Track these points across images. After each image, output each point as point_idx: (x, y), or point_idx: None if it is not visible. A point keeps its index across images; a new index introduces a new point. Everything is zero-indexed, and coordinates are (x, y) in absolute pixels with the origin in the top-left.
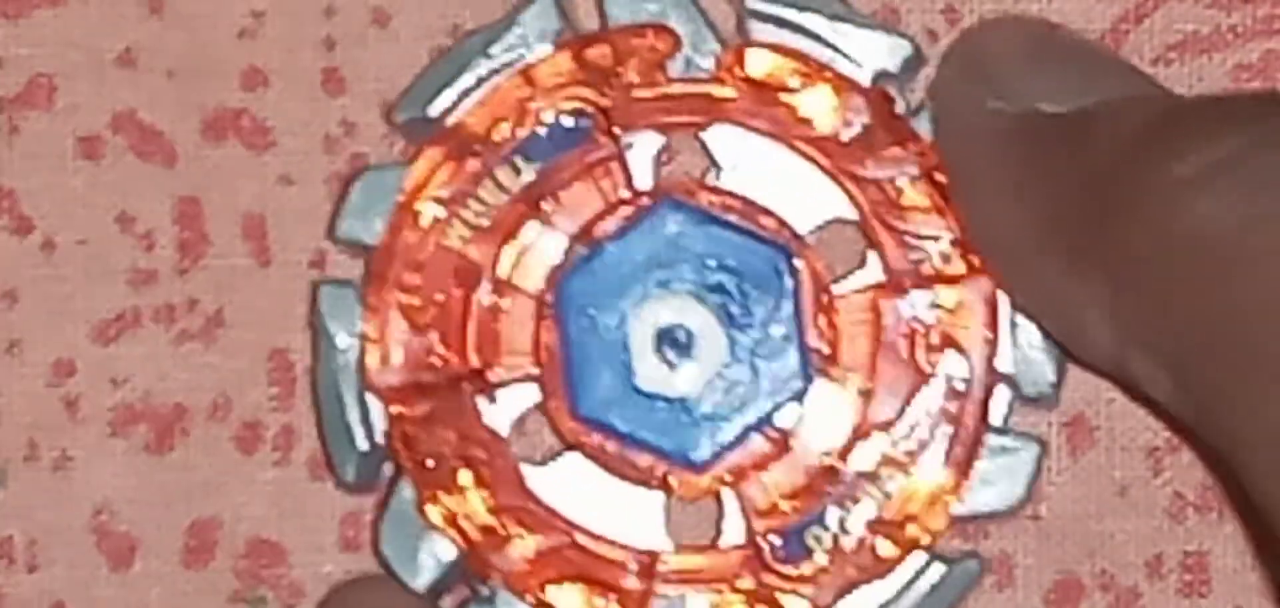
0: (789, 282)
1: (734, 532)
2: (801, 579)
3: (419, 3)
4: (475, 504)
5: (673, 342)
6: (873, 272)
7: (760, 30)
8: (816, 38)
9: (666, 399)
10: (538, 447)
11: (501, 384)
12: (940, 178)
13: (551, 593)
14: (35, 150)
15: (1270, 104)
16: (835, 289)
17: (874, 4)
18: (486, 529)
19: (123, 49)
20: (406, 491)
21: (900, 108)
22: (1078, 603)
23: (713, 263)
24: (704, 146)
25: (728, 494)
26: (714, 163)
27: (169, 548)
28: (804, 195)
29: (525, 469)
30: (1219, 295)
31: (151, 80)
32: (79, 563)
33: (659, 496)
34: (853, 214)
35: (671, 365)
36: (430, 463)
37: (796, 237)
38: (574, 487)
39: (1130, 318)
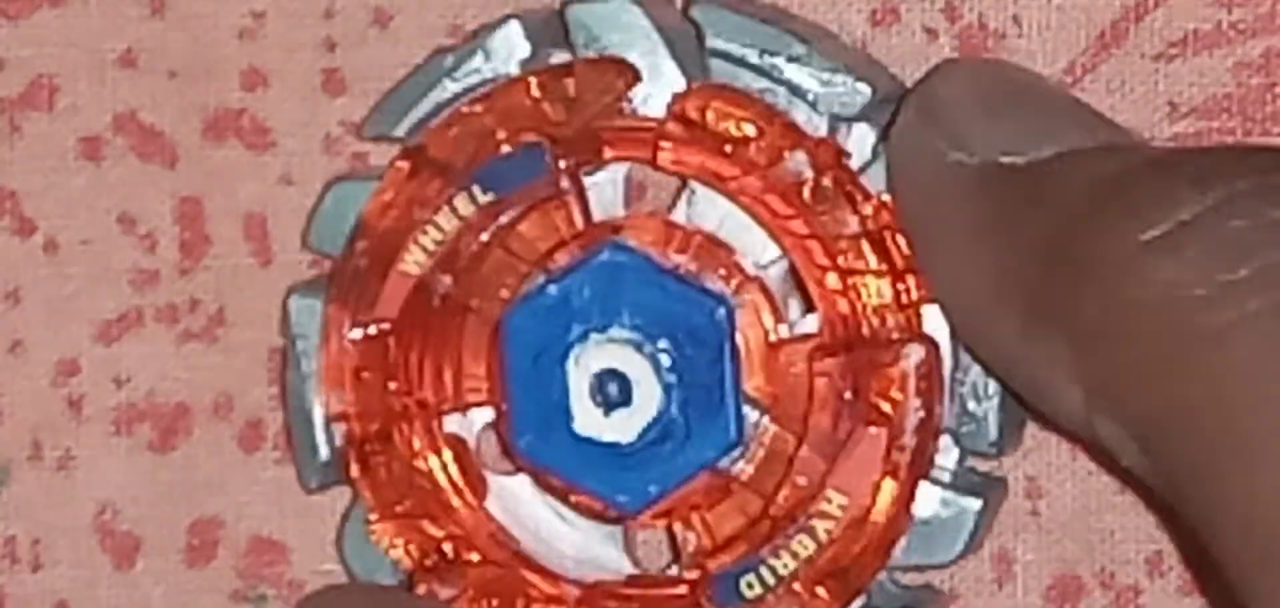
0: (727, 337)
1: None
2: None
3: (419, 3)
4: (424, 529)
5: (609, 388)
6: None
7: (720, 70)
8: (775, 79)
9: (600, 444)
10: (502, 461)
11: (460, 407)
12: (886, 237)
13: None
14: (37, 151)
15: (1230, 164)
16: (781, 332)
17: (874, 3)
18: (434, 552)
19: (124, 50)
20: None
21: (857, 158)
22: (1077, 600)
23: (651, 313)
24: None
25: (681, 529)
26: (686, 184)
27: (171, 547)
28: (756, 231)
29: (491, 478)
30: (1186, 370)
31: (153, 81)
32: (82, 562)
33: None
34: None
35: (608, 410)
36: (381, 483)
37: (748, 277)
38: (535, 501)
39: (1094, 385)
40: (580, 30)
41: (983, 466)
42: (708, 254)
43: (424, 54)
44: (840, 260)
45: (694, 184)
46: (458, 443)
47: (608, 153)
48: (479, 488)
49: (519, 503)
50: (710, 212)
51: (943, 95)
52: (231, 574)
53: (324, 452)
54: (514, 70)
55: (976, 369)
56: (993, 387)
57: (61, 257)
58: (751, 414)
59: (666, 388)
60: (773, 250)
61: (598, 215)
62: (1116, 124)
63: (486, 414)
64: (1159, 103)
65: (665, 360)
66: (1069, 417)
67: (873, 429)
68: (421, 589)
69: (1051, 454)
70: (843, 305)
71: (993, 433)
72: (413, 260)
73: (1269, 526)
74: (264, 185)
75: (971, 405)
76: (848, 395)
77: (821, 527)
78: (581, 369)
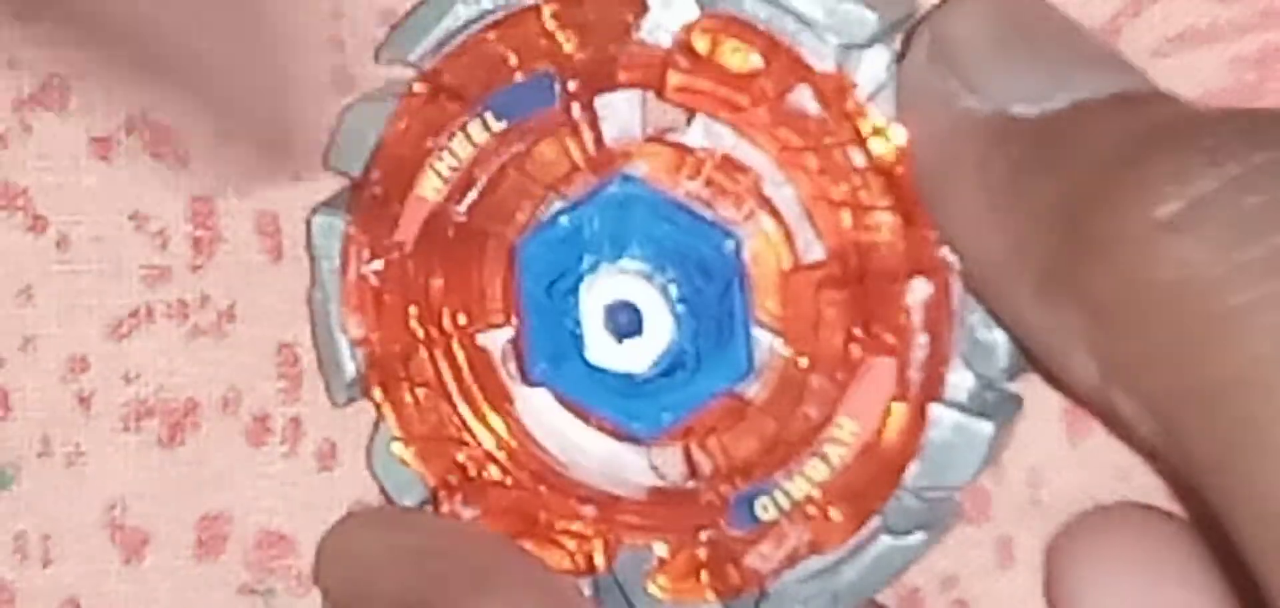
0: (736, 270)
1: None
2: (750, 544)
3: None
4: (446, 448)
5: (621, 318)
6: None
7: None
8: (782, 6)
9: (612, 374)
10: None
11: (479, 330)
12: (894, 170)
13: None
14: (49, 149)
15: (1246, 136)
16: (794, 258)
17: None
18: (456, 471)
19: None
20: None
21: (871, 85)
22: None
23: (661, 245)
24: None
25: (698, 450)
26: (695, 114)
27: (180, 541)
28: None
29: (516, 388)
30: (1203, 353)
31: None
32: (92, 558)
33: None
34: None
35: (620, 340)
36: (403, 402)
37: (762, 200)
38: (560, 411)
39: (1111, 361)
40: None
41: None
42: (723, 177)
43: None
44: (849, 194)
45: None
46: (482, 356)
47: (621, 78)
48: (504, 400)
49: (543, 412)
50: (725, 134)
51: (956, 33)
52: (240, 568)
53: (349, 369)
54: None
55: None
56: None
57: (73, 254)
58: (765, 338)
59: (677, 319)
60: (778, 184)
61: (614, 137)
62: (1128, 63)
63: (503, 334)
64: None
65: (675, 291)
66: (1085, 387)
67: (882, 356)
68: (444, 509)
69: (1052, 443)
70: (851, 237)
71: (1003, 361)
72: (429, 186)
73: None
74: (275, 183)
75: (981, 334)
76: (857, 328)
77: (834, 452)
78: (593, 299)
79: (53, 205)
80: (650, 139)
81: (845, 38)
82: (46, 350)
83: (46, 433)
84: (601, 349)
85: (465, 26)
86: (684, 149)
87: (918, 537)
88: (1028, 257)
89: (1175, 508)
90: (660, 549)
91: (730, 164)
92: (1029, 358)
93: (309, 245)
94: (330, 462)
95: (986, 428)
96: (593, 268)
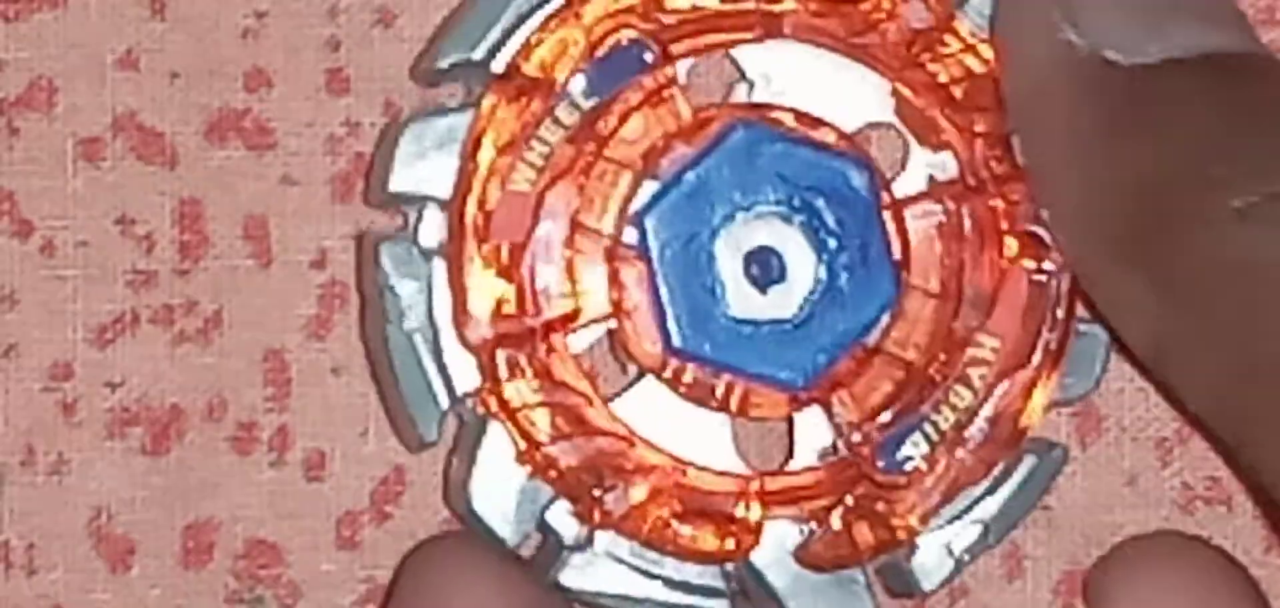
0: (869, 193)
1: (807, 453)
2: (905, 488)
3: (423, 2)
4: (577, 447)
5: (762, 265)
6: (918, 176)
7: None
8: None
9: (758, 324)
10: (608, 382)
11: (582, 326)
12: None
13: (676, 529)
14: (36, 153)
15: None
16: (898, 193)
17: None
18: (591, 470)
19: (124, 51)
20: (497, 443)
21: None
22: None
23: (795, 182)
24: (734, 63)
25: (799, 416)
26: (744, 77)
27: (167, 549)
28: (839, 101)
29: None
30: (1271, 337)
31: (153, 82)
32: (77, 566)
33: (725, 420)
34: (892, 117)
35: (763, 290)
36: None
37: (852, 141)
38: (641, 417)
39: (1172, 333)
40: None
41: None
42: (811, 126)
43: None
44: (956, 104)
45: (755, 75)
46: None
47: (702, 41)
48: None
49: (635, 424)
50: (788, 92)
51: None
52: (228, 576)
53: (444, 399)
54: None
55: None
56: None
57: (58, 259)
58: (895, 265)
59: (821, 255)
60: (858, 120)
61: (701, 104)
62: (1227, 13)
63: (589, 335)
64: None
65: (818, 227)
66: (1143, 352)
67: (1020, 267)
68: (585, 510)
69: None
70: (963, 150)
71: None
72: (523, 179)
73: None
74: (266, 186)
75: None
76: (981, 239)
77: (976, 374)
78: (732, 250)
79: (38, 209)
80: (737, 105)
81: None
82: (30, 357)
83: (30, 441)
84: (746, 301)
85: (526, 16)
86: (764, 105)
87: (1057, 451)
88: (1105, 215)
89: (1186, 518)
90: (791, 533)
91: (811, 118)
92: (1087, 305)
93: (371, 280)
94: (319, 472)
95: (1102, 333)
96: (727, 218)
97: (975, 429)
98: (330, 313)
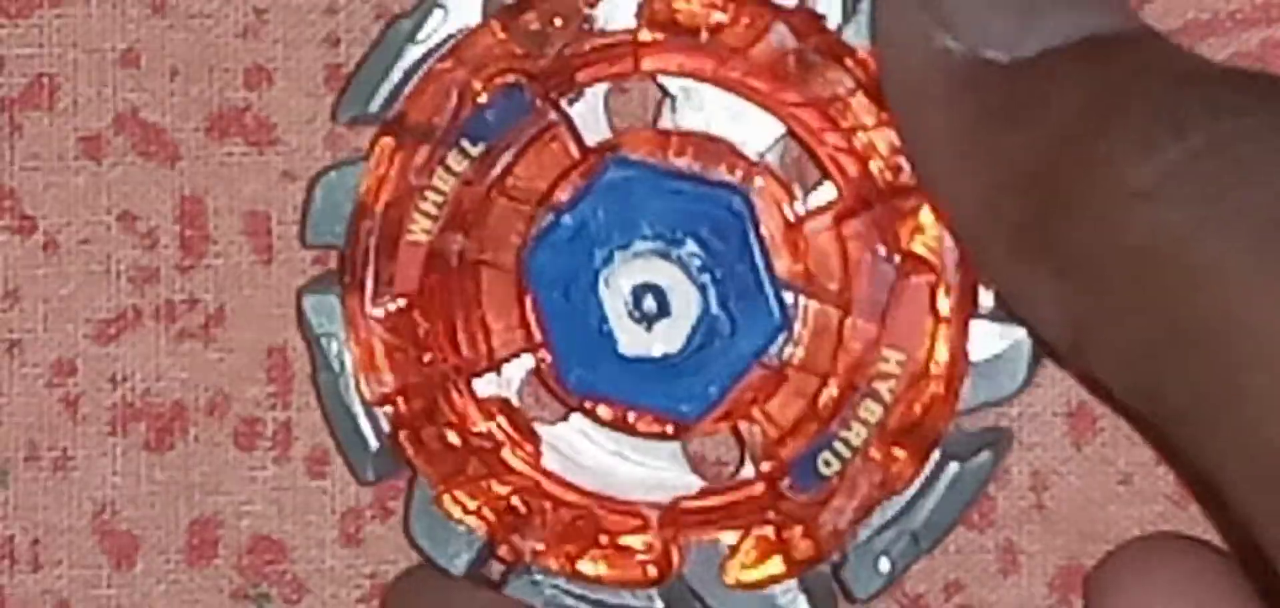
0: (748, 221)
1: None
2: (820, 506)
3: None
4: (491, 489)
5: (646, 302)
6: (830, 189)
7: None
8: None
9: (649, 360)
10: (547, 408)
11: (495, 364)
12: (878, 88)
13: (581, 566)
14: (37, 150)
15: (1208, 105)
16: (798, 210)
17: None
18: (507, 511)
19: (125, 48)
20: (425, 484)
21: (831, 21)
22: (1082, 590)
23: (671, 218)
24: (654, 80)
25: (744, 426)
26: (666, 94)
27: (171, 546)
28: (756, 115)
29: (541, 430)
30: (1179, 304)
31: (154, 80)
32: (82, 562)
33: (673, 442)
34: (784, 137)
35: (649, 325)
36: (438, 455)
37: (752, 165)
38: (590, 442)
39: (1083, 319)
40: None
41: None
42: (708, 153)
43: None
44: (839, 122)
45: (676, 91)
46: (501, 403)
47: (583, 76)
48: (532, 443)
49: (575, 450)
50: (695, 115)
51: None
52: (232, 573)
53: (373, 442)
54: (475, 19)
55: None
56: None
57: (61, 255)
58: (788, 297)
59: (702, 288)
60: (766, 137)
61: (588, 141)
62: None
63: (521, 367)
64: None
65: (695, 261)
66: (1058, 343)
67: (915, 278)
68: (502, 549)
69: (1055, 448)
70: (851, 166)
71: None
72: (419, 229)
73: (1270, 450)
74: (267, 183)
75: None
76: (881, 251)
77: (884, 388)
78: (614, 291)
79: (40, 206)
80: (627, 131)
81: None
82: (33, 354)
83: (34, 437)
84: (634, 339)
85: (419, 64)
86: (663, 132)
87: (984, 456)
88: (999, 213)
89: (1180, 513)
90: (729, 538)
91: (711, 140)
92: (1003, 305)
93: (303, 328)
94: (322, 469)
95: (1023, 333)
96: (607, 259)
97: (888, 443)
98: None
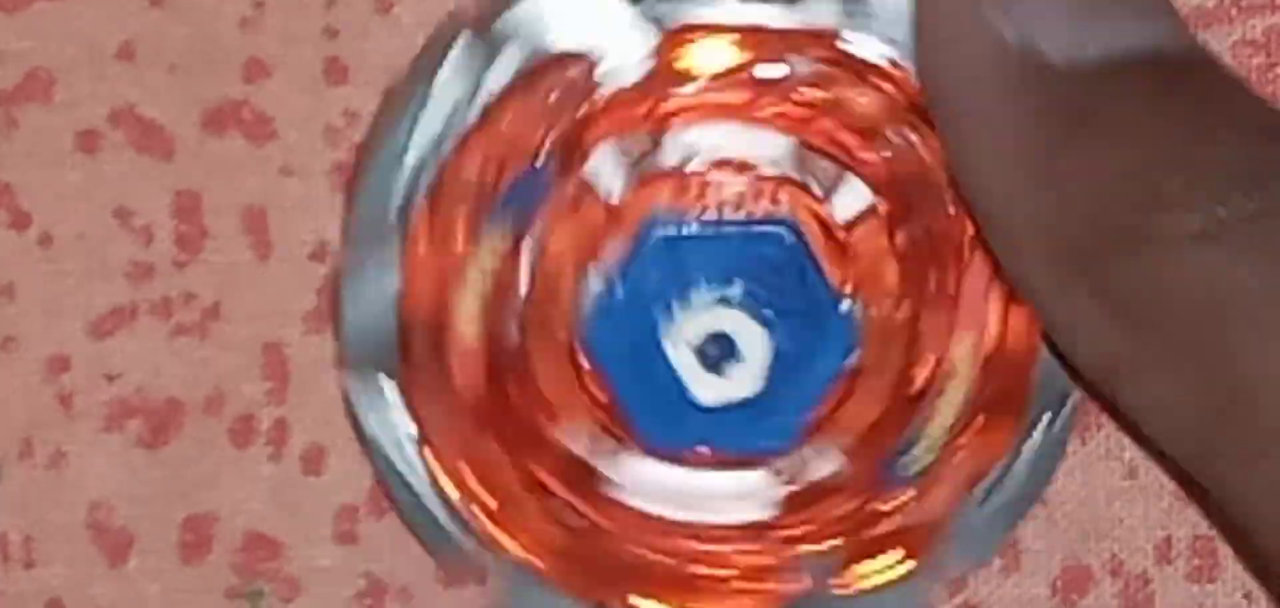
0: (801, 251)
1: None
2: (921, 495)
3: None
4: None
5: (715, 350)
6: (858, 191)
7: (678, 13)
8: None
9: (733, 404)
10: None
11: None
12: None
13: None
14: (33, 144)
15: (1270, 161)
16: (840, 220)
17: None
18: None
19: (122, 42)
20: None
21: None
22: (1086, 589)
23: (722, 263)
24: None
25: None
26: (659, 138)
27: (166, 543)
28: (762, 130)
29: (615, 475)
30: (1234, 359)
31: (152, 74)
32: (76, 559)
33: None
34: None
35: (722, 372)
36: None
37: (778, 181)
38: (671, 473)
39: (1126, 358)
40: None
41: None
42: (738, 187)
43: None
44: (868, 132)
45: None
46: (579, 466)
47: (594, 134)
48: (605, 497)
49: (649, 488)
50: (702, 141)
51: None
52: (227, 570)
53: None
54: (470, 105)
55: None
56: None
57: (56, 251)
58: (845, 304)
59: (767, 324)
60: (778, 146)
61: (613, 195)
62: (1167, 9)
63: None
64: None
65: (754, 300)
66: (1092, 372)
67: (973, 259)
68: None
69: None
70: (888, 168)
71: None
72: (467, 329)
73: None
74: (264, 177)
75: None
76: (929, 245)
77: (962, 370)
78: (680, 347)
79: (36, 201)
80: (648, 178)
81: None
82: (27, 350)
83: (27, 434)
84: (711, 389)
85: (421, 167)
86: (682, 173)
87: (1066, 408)
88: (1046, 231)
89: (1186, 510)
90: (836, 544)
91: (730, 165)
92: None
93: (363, 439)
94: (318, 467)
95: None
96: (666, 318)
97: (977, 423)
98: (329, 306)
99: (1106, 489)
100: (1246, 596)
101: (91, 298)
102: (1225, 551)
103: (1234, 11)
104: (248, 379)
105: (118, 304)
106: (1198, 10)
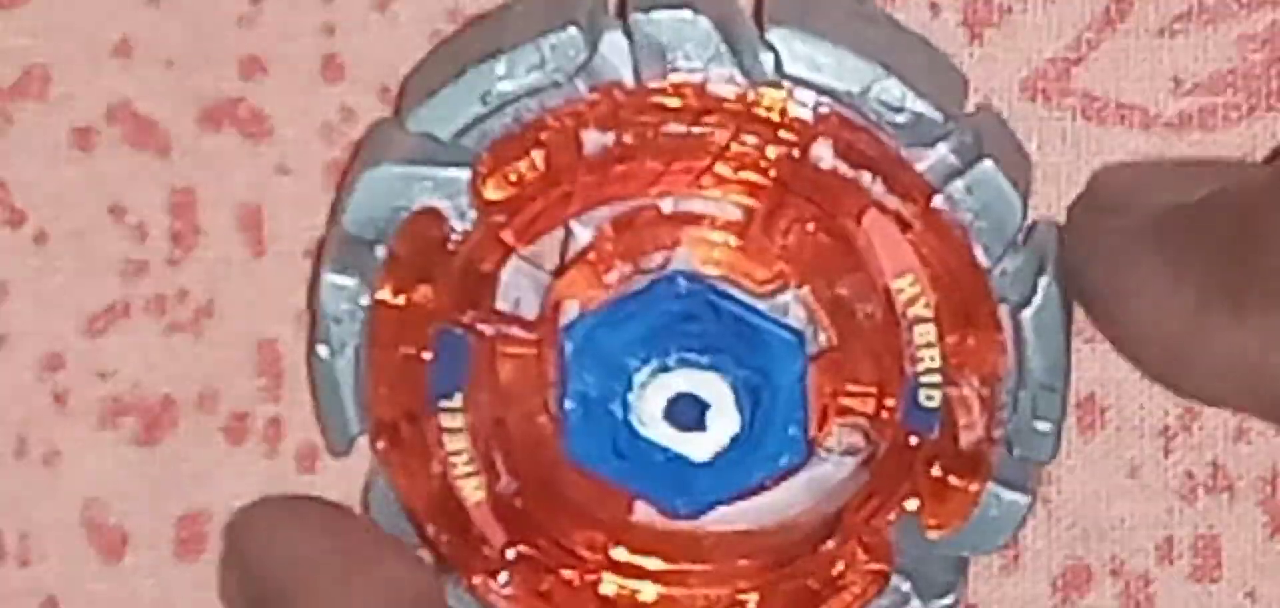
0: (700, 291)
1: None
2: (958, 429)
3: None
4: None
5: (688, 411)
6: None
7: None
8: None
9: (731, 449)
10: None
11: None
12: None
13: None
14: (29, 141)
15: None
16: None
17: None
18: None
19: (119, 39)
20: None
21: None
22: (1087, 588)
23: (646, 343)
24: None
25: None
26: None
27: (160, 540)
28: None
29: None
30: None
31: (148, 70)
32: (71, 557)
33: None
34: None
35: (707, 427)
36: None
37: (680, 223)
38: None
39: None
40: (645, 39)
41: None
42: (638, 246)
43: (424, 39)
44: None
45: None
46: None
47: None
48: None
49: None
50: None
51: (1105, 181)
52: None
53: (355, 426)
54: (566, 77)
55: None
56: None
57: (51, 248)
58: (783, 301)
59: (716, 368)
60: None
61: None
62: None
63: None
64: (1163, 78)
65: (693, 357)
66: (1225, 385)
67: (869, 217)
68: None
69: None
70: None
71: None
72: (472, 490)
73: None
74: (259, 175)
75: None
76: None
77: (919, 307)
78: (656, 425)
79: (31, 198)
80: (563, 279)
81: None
82: (21, 347)
83: (22, 431)
84: (702, 445)
85: (500, 105)
86: (591, 262)
87: (1037, 295)
88: (1215, 288)
89: (1188, 507)
90: (911, 504)
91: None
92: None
93: (311, 297)
94: (312, 464)
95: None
96: (627, 410)
97: (964, 342)
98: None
99: (1108, 490)
100: (1248, 595)
101: (86, 295)
102: (1226, 551)
103: (1236, 7)
104: (242, 376)
105: (112, 301)
106: (1200, 6)
